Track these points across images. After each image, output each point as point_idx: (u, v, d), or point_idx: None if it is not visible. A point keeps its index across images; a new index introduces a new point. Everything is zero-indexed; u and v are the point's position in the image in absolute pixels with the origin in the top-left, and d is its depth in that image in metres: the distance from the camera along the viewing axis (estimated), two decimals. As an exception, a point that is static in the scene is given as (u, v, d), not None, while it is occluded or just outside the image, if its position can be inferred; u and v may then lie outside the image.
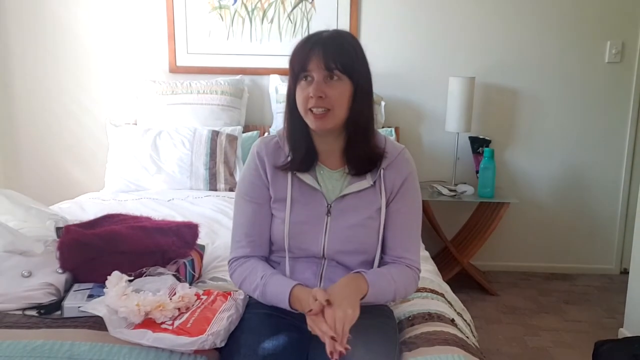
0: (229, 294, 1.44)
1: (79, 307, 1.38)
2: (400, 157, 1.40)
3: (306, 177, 1.38)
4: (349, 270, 1.38)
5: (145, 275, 1.49)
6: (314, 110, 1.29)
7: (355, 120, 1.34)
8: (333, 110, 1.30)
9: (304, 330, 1.35)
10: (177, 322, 1.30)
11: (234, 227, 1.44)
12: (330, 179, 1.40)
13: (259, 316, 1.37)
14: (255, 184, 1.41)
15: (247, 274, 1.37)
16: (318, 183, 1.38)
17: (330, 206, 1.37)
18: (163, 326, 1.28)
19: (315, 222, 1.37)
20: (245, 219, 1.41)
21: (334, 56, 1.28)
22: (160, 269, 1.52)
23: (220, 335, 1.26)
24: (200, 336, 1.23)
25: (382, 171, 1.38)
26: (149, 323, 1.29)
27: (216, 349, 1.28)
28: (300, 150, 1.37)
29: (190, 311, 1.35)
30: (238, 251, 1.42)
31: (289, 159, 1.38)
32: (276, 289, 1.31)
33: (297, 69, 1.31)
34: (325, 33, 1.33)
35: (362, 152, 1.36)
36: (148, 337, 1.24)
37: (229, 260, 1.43)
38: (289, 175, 1.39)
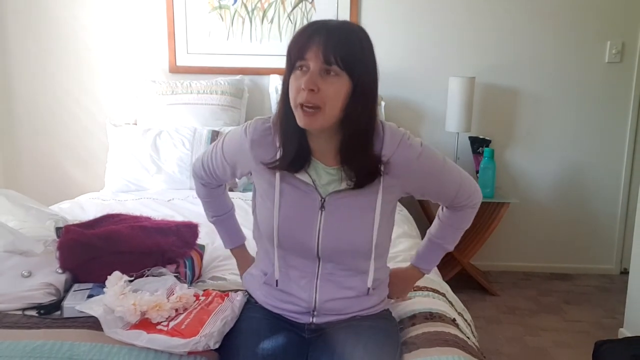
0: (227, 294, 1.43)
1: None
2: (399, 150, 1.27)
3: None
4: (342, 284, 1.31)
5: (147, 276, 1.49)
6: (304, 106, 1.17)
7: (350, 121, 1.20)
8: (324, 109, 1.16)
9: (303, 331, 1.36)
10: (172, 323, 1.29)
11: (205, 155, 1.47)
12: (325, 172, 1.27)
13: (257, 317, 1.35)
14: (240, 154, 1.35)
15: (208, 199, 1.55)
16: (310, 177, 1.27)
17: (325, 200, 1.27)
18: (159, 327, 1.28)
19: (308, 217, 1.27)
20: (213, 164, 1.44)
21: (335, 48, 1.14)
22: (162, 269, 1.52)
23: (213, 337, 1.25)
24: (193, 338, 1.22)
25: (381, 167, 1.26)
26: (145, 324, 1.29)
27: (216, 349, 1.28)
28: (292, 148, 1.24)
29: (187, 312, 1.34)
30: (201, 169, 1.48)
31: (278, 156, 1.26)
32: (222, 235, 1.60)
33: (294, 56, 1.18)
34: (333, 22, 1.20)
35: (359, 162, 1.23)
36: (142, 338, 1.23)
37: (196, 160, 1.51)
38: None
